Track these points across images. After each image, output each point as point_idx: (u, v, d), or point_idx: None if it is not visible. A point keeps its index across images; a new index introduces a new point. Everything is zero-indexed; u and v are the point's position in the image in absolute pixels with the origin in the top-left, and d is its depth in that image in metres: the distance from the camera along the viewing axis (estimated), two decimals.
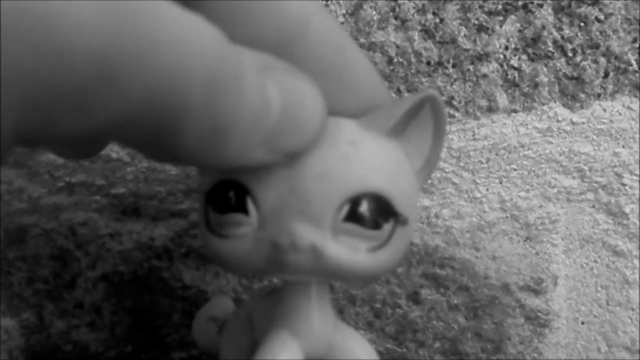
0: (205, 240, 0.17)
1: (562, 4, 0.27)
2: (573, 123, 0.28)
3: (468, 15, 0.27)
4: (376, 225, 0.16)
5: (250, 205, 0.16)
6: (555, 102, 0.28)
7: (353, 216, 0.16)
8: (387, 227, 0.16)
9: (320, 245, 0.16)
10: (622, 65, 0.28)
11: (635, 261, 0.29)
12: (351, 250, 0.16)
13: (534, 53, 0.27)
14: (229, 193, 0.16)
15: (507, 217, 0.28)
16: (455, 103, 0.27)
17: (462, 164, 0.28)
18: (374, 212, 0.16)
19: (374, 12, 0.26)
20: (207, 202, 0.17)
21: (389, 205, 0.16)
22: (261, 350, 0.18)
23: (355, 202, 0.16)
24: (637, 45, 0.27)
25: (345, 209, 0.16)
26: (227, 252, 0.16)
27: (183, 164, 0.17)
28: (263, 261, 0.16)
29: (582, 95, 0.28)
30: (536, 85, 0.27)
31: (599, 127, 0.28)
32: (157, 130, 0.13)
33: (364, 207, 0.16)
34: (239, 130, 0.14)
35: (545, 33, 0.27)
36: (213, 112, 0.13)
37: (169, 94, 0.12)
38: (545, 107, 0.28)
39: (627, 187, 0.28)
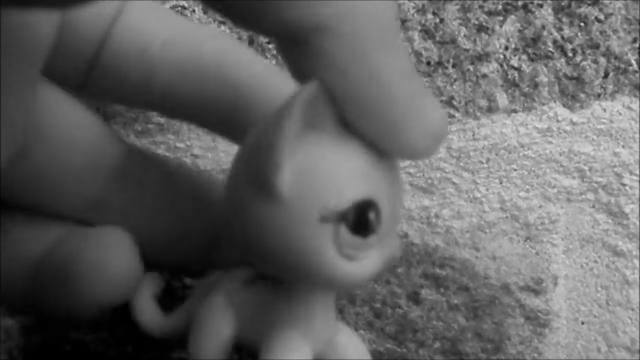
0: (325, 261, 0.15)
1: (562, 4, 0.27)
2: (573, 123, 0.28)
3: (468, 15, 0.27)
4: None
5: (380, 225, 0.15)
6: (555, 102, 0.28)
7: None
8: None
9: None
10: (622, 65, 0.28)
11: (635, 261, 0.29)
12: None
13: (534, 53, 0.27)
14: (370, 214, 0.15)
15: (507, 217, 0.28)
16: (455, 103, 0.27)
17: (462, 164, 0.28)
18: None
19: None
20: (341, 221, 0.15)
21: None
22: (271, 350, 0.17)
23: None
24: (637, 45, 0.27)
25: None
26: (354, 274, 0.16)
27: None
28: (374, 277, 0.16)
29: (582, 95, 0.28)
30: (536, 85, 0.27)
31: (599, 127, 0.28)
32: None
33: None
34: None
35: (545, 33, 0.27)
36: None
37: None
38: (545, 107, 0.28)
39: (627, 187, 0.28)
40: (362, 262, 0.16)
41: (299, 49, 0.14)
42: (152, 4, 0.21)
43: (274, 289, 0.18)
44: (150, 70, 0.19)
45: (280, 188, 0.15)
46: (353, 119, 0.15)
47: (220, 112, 0.19)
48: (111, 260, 0.18)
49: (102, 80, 0.19)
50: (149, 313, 0.21)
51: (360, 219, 0.15)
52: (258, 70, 0.19)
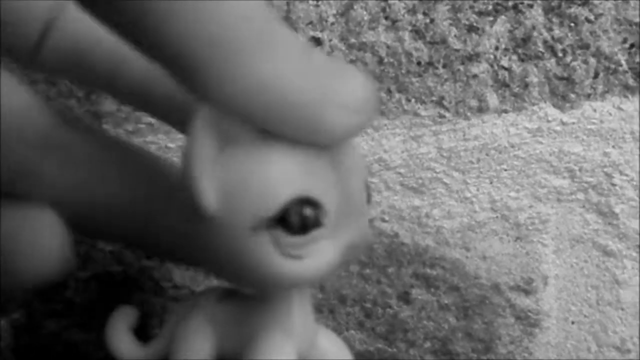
0: (271, 267, 0.15)
1: (552, 4, 0.27)
2: (563, 123, 0.28)
3: (458, 15, 0.27)
4: None
5: (323, 216, 0.15)
6: (545, 102, 0.28)
7: (369, 198, 0.17)
8: None
9: (370, 233, 0.16)
10: (612, 66, 0.28)
11: (625, 261, 0.29)
12: (369, 228, 0.17)
13: (524, 53, 0.27)
14: (306, 210, 0.15)
15: (497, 217, 0.28)
16: (445, 103, 0.27)
17: (452, 164, 0.28)
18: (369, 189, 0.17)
19: (365, 13, 0.26)
20: (275, 225, 0.15)
21: None
22: (255, 351, 0.17)
23: (366, 184, 0.17)
24: (627, 45, 0.28)
25: (365, 194, 0.17)
26: (307, 271, 0.16)
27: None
28: (336, 266, 0.16)
29: (572, 96, 0.28)
30: (526, 86, 0.27)
31: (589, 127, 0.28)
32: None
33: (369, 188, 0.17)
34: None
35: (535, 33, 0.27)
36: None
37: None
38: (535, 108, 0.28)
39: (617, 187, 0.28)
40: (314, 257, 0.16)
41: (183, 82, 0.14)
42: None
43: (248, 299, 0.18)
44: (121, 59, 0.19)
45: (207, 209, 0.15)
46: (264, 127, 0.15)
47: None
48: (39, 241, 0.17)
49: (56, 53, 0.19)
50: (125, 346, 0.21)
51: (294, 219, 0.15)
52: None
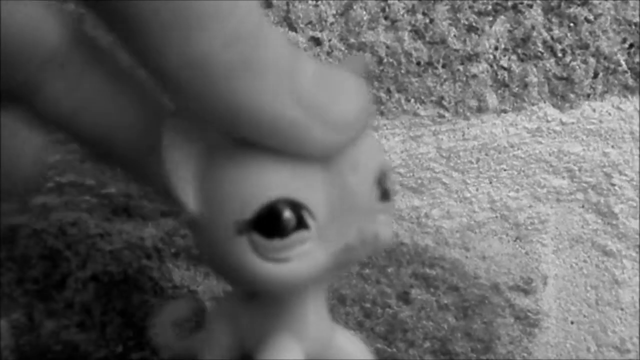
0: (253, 271, 0.15)
1: (552, 4, 0.27)
2: (562, 123, 0.28)
3: (458, 15, 0.27)
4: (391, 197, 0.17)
5: (309, 219, 0.15)
6: (544, 102, 0.28)
7: (384, 194, 0.16)
8: None
9: (377, 231, 0.16)
10: (612, 66, 0.28)
11: (625, 261, 0.29)
12: (388, 226, 0.16)
13: (523, 53, 0.27)
14: (284, 213, 0.15)
15: (496, 217, 0.28)
16: (445, 103, 0.27)
17: (452, 164, 0.28)
18: (391, 184, 0.17)
19: (364, 13, 0.26)
20: (252, 229, 0.15)
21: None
22: (263, 352, 0.17)
23: (379, 181, 0.16)
24: (626, 45, 0.28)
25: (376, 190, 0.16)
26: (292, 275, 0.15)
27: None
28: (330, 268, 0.16)
29: (572, 96, 0.28)
30: (526, 86, 0.27)
31: (588, 127, 0.28)
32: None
33: (387, 183, 0.17)
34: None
35: (534, 33, 0.27)
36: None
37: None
38: (534, 108, 0.28)
39: (616, 187, 0.28)
40: (301, 260, 0.15)
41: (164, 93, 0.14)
42: None
43: (267, 298, 0.18)
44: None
45: (192, 212, 0.15)
46: (250, 141, 0.15)
47: None
48: (19, 144, 0.17)
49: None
50: (164, 338, 0.22)
51: (268, 222, 0.15)
52: None
